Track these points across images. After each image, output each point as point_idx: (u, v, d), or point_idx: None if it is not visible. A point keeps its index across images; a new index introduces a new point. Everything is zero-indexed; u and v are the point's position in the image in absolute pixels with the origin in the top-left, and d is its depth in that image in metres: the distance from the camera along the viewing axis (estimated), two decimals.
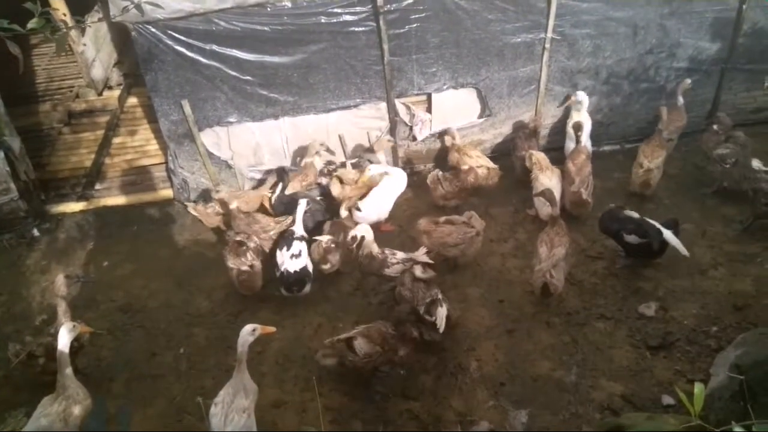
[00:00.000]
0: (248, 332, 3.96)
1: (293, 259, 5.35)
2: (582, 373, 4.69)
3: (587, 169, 6.17)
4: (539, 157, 6.24)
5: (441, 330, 4.62)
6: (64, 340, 4.04)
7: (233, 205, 5.83)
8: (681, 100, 6.77)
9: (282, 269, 5.33)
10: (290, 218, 5.83)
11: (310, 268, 5.44)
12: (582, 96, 6.70)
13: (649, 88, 7.15)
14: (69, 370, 4.04)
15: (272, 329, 4.14)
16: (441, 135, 6.98)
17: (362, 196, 6.25)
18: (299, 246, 5.44)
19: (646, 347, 4.85)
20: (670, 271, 5.53)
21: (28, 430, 3.92)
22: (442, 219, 5.66)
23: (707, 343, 4.82)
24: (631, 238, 5.37)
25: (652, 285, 5.43)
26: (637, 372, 4.67)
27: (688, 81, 6.77)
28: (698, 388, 2.21)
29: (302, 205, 5.75)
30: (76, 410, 4.00)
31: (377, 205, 6.25)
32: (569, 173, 6.18)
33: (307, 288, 5.41)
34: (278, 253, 5.47)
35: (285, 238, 5.58)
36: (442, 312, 4.65)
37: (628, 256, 5.60)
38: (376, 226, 6.07)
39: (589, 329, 5.07)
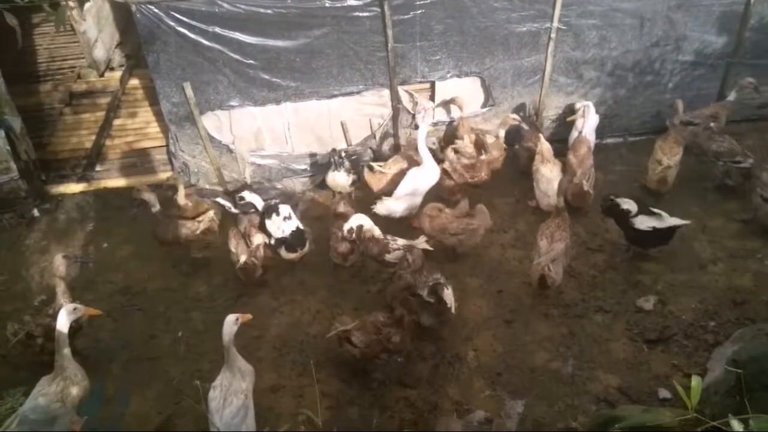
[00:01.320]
0: (231, 322, 3.95)
1: (287, 221, 5.43)
2: (579, 365, 4.71)
3: (589, 162, 6.15)
4: (544, 147, 6.21)
5: (453, 310, 4.64)
6: (62, 321, 4.03)
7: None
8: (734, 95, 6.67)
9: (279, 234, 5.42)
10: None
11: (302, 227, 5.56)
12: (589, 107, 6.68)
13: (654, 81, 7.10)
14: (67, 351, 4.04)
15: (249, 316, 4.08)
16: (447, 103, 6.87)
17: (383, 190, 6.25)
18: (286, 209, 5.51)
19: (643, 341, 4.87)
20: (669, 265, 5.53)
21: (26, 408, 3.93)
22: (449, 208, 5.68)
23: (705, 338, 4.83)
24: (643, 225, 5.33)
25: (651, 279, 5.43)
26: (634, 365, 4.68)
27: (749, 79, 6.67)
28: (695, 381, 2.21)
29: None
30: (74, 391, 4.01)
31: (406, 198, 6.06)
32: (571, 165, 6.16)
33: (308, 246, 5.55)
34: (267, 222, 5.49)
35: (268, 207, 5.58)
36: (449, 293, 4.68)
37: (632, 244, 5.58)
38: (406, 220, 6.05)
39: (587, 321, 5.08)
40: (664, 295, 5.26)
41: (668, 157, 6.19)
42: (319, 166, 6.89)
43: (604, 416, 3.89)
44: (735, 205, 6.19)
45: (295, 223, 5.52)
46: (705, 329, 4.91)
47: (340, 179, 6.40)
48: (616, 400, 4.41)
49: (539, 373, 4.68)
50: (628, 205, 5.43)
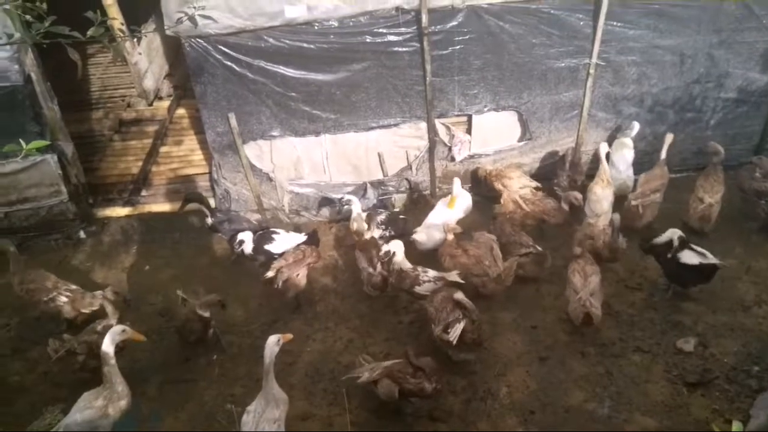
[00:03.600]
0: (274, 342, 4.01)
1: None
2: (615, 407, 4.58)
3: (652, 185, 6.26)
4: (603, 168, 6.22)
5: (453, 342, 4.59)
6: (108, 341, 4.18)
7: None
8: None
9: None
10: None
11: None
12: (634, 125, 6.66)
13: (695, 117, 7.02)
14: (115, 367, 4.21)
15: (290, 336, 4.17)
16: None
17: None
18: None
19: (683, 383, 4.72)
20: (711, 306, 5.38)
21: (70, 422, 4.06)
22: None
23: (748, 383, 4.65)
24: (691, 259, 5.25)
25: (691, 319, 5.29)
26: (672, 408, 4.54)
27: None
28: (736, 426, 2.16)
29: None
30: (119, 405, 4.19)
31: (434, 229, 6.12)
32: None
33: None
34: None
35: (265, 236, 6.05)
36: (459, 327, 4.64)
37: (672, 281, 5.47)
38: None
39: (625, 362, 4.95)
40: (705, 336, 5.10)
41: (710, 195, 6.08)
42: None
43: None
44: None
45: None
46: (748, 374, 4.74)
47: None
48: None
49: (574, 413, 4.57)
50: (671, 234, 5.37)
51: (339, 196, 6.73)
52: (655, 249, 5.51)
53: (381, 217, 6.38)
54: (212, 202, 7.18)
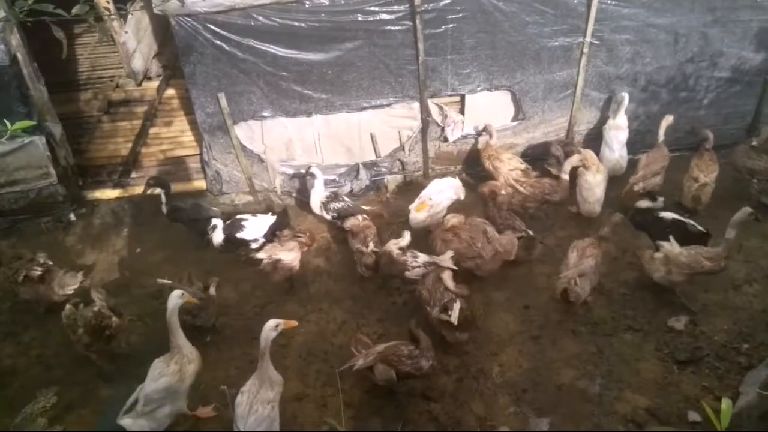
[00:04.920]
0: (271, 327, 3.99)
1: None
2: (607, 385, 4.63)
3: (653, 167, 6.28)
4: (588, 155, 6.20)
5: (455, 321, 4.60)
6: (172, 305, 4.28)
7: None
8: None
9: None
10: None
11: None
12: (623, 96, 6.60)
13: (689, 97, 7.00)
14: (180, 333, 4.32)
15: (294, 323, 4.17)
16: (479, 133, 6.89)
17: None
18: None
19: (674, 361, 4.77)
20: (702, 285, 5.41)
21: (149, 390, 4.13)
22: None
23: (737, 360, 4.71)
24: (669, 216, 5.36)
25: (682, 298, 5.32)
26: (663, 386, 4.59)
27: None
28: (725, 403, 2.17)
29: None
30: (191, 368, 4.32)
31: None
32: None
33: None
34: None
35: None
36: (456, 306, 4.65)
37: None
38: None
39: (616, 340, 4.99)
40: (696, 315, 5.15)
41: (705, 174, 6.10)
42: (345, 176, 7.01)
43: None
44: None
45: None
46: (738, 351, 4.79)
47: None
48: (645, 421, 4.32)
49: (566, 391, 4.62)
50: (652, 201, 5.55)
51: (307, 167, 6.63)
52: (638, 216, 5.60)
53: (337, 204, 6.33)
54: (203, 184, 7.14)
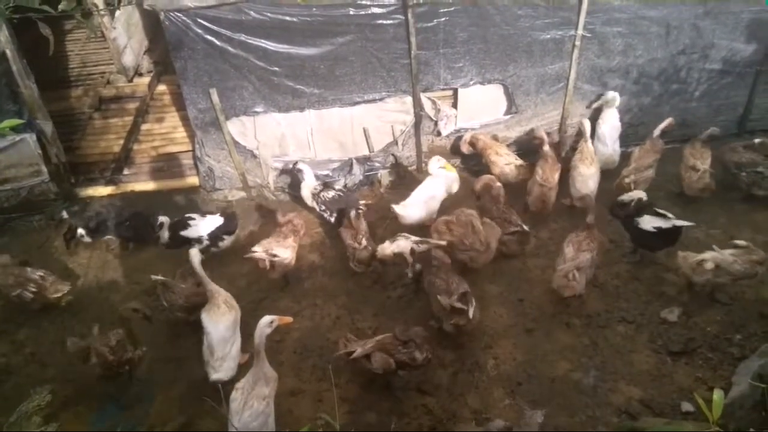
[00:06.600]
0: (265, 324, 3.98)
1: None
2: (601, 376, 4.65)
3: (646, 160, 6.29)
4: (585, 147, 6.24)
5: (471, 315, 4.64)
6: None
7: None
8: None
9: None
10: None
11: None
12: (612, 95, 6.62)
13: (680, 89, 7.02)
14: (210, 281, 4.75)
15: (289, 319, 4.16)
16: (468, 143, 6.88)
17: None
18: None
19: (667, 352, 4.80)
20: None
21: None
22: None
23: (730, 351, 4.75)
24: (648, 225, 5.32)
25: (675, 290, 5.36)
26: (656, 377, 4.62)
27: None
28: (717, 394, 2.19)
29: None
30: (234, 303, 4.78)
31: (420, 205, 6.07)
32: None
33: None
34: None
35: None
36: (472, 301, 4.72)
37: (637, 246, 5.59)
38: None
39: (610, 332, 5.02)
40: (688, 306, 5.18)
41: (701, 161, 6.15)
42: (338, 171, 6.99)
43: (626, 428, 3.85)
44: (763, 216, 6.07)
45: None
46: (730, 342, 4.83)
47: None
48: (638, 412, 4.34)
49: (560, 383, 4.64)
50: (635, 195, 5.52)
51: (294, 163, 6.64)
52: (619, 212, 5.63)
53: (328, 194, 6.34)
54: (196, 180, 7.11)
